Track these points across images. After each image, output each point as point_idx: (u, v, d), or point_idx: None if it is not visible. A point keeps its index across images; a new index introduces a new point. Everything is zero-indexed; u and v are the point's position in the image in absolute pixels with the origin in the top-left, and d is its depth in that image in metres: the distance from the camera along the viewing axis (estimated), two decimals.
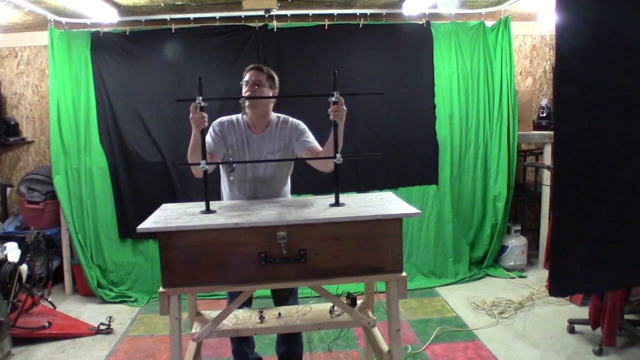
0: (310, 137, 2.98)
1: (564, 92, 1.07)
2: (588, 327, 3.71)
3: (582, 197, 1.11)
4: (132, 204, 4.91)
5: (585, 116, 1.08)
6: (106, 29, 4.89)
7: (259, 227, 2.30)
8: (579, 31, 1.06)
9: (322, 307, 2.88)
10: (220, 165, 3.01)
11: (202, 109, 2.50)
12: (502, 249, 5.36)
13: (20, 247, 4.16)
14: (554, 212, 1.14)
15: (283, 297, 3.12)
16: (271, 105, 3.01)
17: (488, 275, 5.26)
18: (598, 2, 1.05)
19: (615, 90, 1.08)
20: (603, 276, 1.17)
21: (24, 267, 4.04)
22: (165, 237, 2.29)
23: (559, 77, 1.08)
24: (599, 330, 3.57)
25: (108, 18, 4.57)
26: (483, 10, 5.10)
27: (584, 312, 3.93)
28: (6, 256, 3.91)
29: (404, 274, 2.40)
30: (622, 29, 1.06)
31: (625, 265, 1.17)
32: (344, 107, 2.58)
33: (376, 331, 2.78)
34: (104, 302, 4.79)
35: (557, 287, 1.15)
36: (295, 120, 3.03)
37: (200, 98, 2.46)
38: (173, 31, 4.87)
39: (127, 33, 4.87)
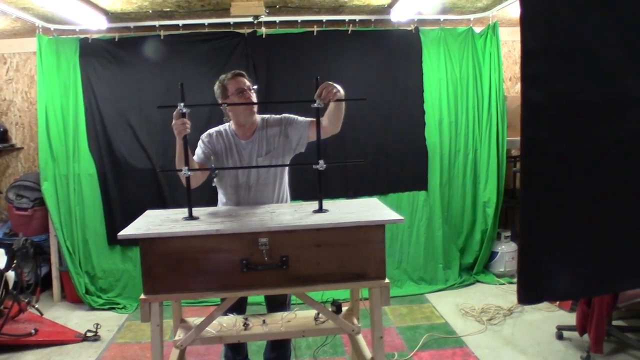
0: (302, 117, 2.98)
1: (531, 96, 1.07)
2: (577, 334, 3.70)
3: (550, 204, 1.10)
4: (120, 210, 4.89)
5: (552, 121, 1.08)
6: (95, 36, 4.88)
7: (240, 234, 2.29)
8: (545, 34, 1.06)
9: (307, 314, 2.86)
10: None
11: (184, 115, 2.50)
12: (492, 255, 5.36)
13: (7, 253, 4.14)
14: (522, 219, 1.14)
15: (277, 305, 3.10)
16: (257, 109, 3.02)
17: (478, 281, 5.26)
18: (564, 6, 1.05)
19: (583, 94, 1.08)
20: (572, 283, 1.17)
21: (10, 274, 4.01)
22: (146, 244, 2.28)
23: (525, 80, 1.08)
24: (587, 336, 3.56)
25: (96, 25, 4.56)
26: (472, 16, 5.11)
27: (573, 318, 3.92)
28: None
29: (386, 280, 2.40)
30: (589, 32, 1.06)
31: (595, 272, 1.17)
32: (332, 85, 2.57)
33: (360, 338, 2.77)
34: (92, 308, 4.76)
35: (526, 294, 1.15)
36: (276, 116, 3.03)
37: (182, 104, 2.45)
38: (162, 37, 4.87)
39: (116, 39, 4.87)
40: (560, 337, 3.88)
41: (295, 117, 3.00)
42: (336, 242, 2.34)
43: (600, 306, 3.41)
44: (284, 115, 3.03)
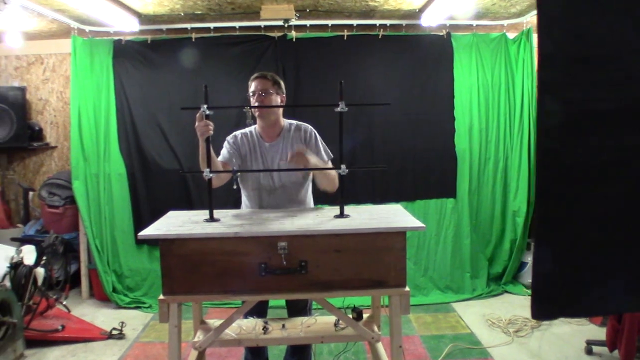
0: (322, 153, 2.97)
1: (547, 103, 1.02)
2: (606, 349, 3.58)
3: (566, 218, 1.06)
4: (148, 210, 4.94)
5: (568, 130, 1.03)
6: (128, 37, 4.97)
7: (259, 237, 2.29)
8: (563, 39, 1.01)
9: (328, 320, 2.84)
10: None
11: (207, 117, 2.51)
12: (522, 265, 5.25)
13: (37, 250, 4.22)
14: (536, 232, 1.09)
15: (298, 310, 3.08)
16: (281, 111, 3.00)
17: (506, 291, 5.14)
18: (583, 10, 1.01)
19: (601, 103, 1.03)
20: (589, 300, 1.11)
21: (40, 270, 4.09)
22: (166, 245, 2.30)
23: (542, 87, 1.03)
24: (617, 352, 3.45)
25: (128, 27, 4.64)
26: (505, 22, 5.03)
27: (603, 333, 3.80)
28: (22, 259, 3.96)
29: (407, 288, 2.36)
30: (609, 38, 1.01)
31: (614, 289, 1.11)
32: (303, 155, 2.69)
33: (380, 346, 2.74)
34: (118, 307, 4.83)
35: (540, 310, 1.10)
36: (309, 128, 3.02)
37: (205, 106, 2.47)
38: (193, 40, 4.92)
39: (149, 41, 4.93)
40: (589, 352, 3.77)
41: (322, 148, 3.00)
42: (356, 248, 2.31)
43: (632, 321, 3.30)
44: (315, 134, 3.01)
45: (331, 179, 2.86)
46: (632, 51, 1.00)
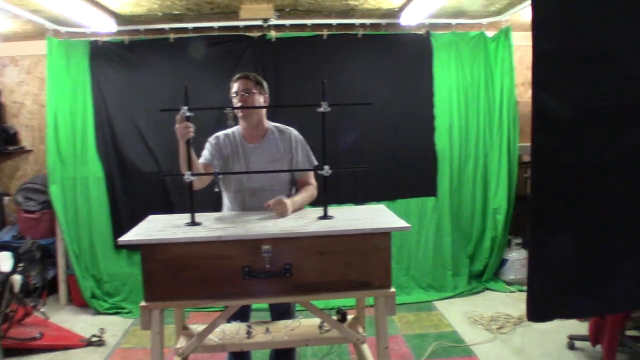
0: (307, 163, 2.96)
1: (542, 100, 1.01)
2: (589, 344, 3.61)
3: (563, 218, 1.04)
4: (127, 214, 4.86)
5: (566, 128, 1.02)
6: (105, 38, 4.88)
7: (242, 240, 2.25)
8: (559, 36, 1.00)
9: (312, 322, 2.82)
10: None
11: (188, 119, 2.47)
12: (503, 262, 5.28)
13: (14, 256, 4.12)
14: (531, 233, 1.08)
15: (281, 312, 3.05)
16: (264, 112, 2.96)
17: (488, 289, 5.17)
18: (578, 9, 0.99)
19: (601, 100, 1.02)
20: (583, 301, 1.10)
21: (17, 277, 4.00)
22: (147, 250, 2.25)
23: (537, 84, 1.02)
24: (600, 347, 3.48)
25: (105, 27, 4.56)
26: (484, 20, 5.05)
27: (585, 328, 3.83)
28: None
29: (392, 289, 2.34)
30: (608, 35, 1.00)
31: (606, 290, 1.10)
32: (283, 205, 2.65)
33: (365, 348, 2.72)
34: (98, 313, 4.74)
35: (536, 312, 1.09)
36: (294, 133, 2.99)
37: (186, 108, 2.42)
38: (172, 41, 4.85)
39: (126, 42, 4.85)
40: (572, 347, 3.80)
41: (307, 155, 2.99)
42: (341, 249, 2.28)
43: (614, 316, 3.33)
44: (301, 138, 3.00)
45: (307, 201, 2.91)
46: (632, 51, 0.99)
